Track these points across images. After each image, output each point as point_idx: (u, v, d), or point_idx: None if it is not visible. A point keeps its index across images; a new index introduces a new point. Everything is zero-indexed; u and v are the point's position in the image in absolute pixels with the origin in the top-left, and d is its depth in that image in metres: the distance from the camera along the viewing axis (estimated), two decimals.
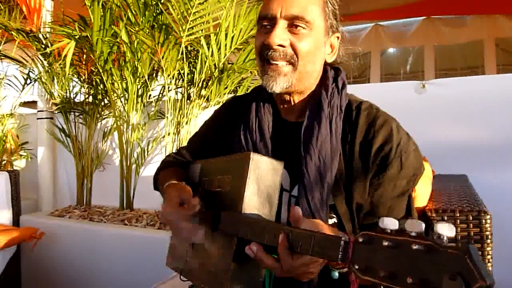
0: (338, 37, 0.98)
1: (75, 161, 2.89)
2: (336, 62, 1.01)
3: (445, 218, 1.12)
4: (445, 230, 0.48)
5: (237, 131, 1.01)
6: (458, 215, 1.11)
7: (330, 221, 0.89)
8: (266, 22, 0.90)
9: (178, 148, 1.27)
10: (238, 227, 0.78)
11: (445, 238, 0.48)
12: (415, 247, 0.49)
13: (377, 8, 5.62)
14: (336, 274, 0.79)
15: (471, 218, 1.11)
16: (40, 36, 2.78)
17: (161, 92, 2.80)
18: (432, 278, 0.46)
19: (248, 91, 1.26)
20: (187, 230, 0.89)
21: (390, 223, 0.54)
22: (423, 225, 0.51)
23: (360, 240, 0.55)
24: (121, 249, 2.23)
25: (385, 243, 0.52)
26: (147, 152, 2.79)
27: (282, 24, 0.88)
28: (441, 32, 5.97)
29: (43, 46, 2.75)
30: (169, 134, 2.50)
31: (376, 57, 6.49)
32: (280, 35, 0.87)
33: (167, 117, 2.51)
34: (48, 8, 3.03)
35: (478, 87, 2.21)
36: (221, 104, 1.21)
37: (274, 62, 0.89)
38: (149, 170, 2.95)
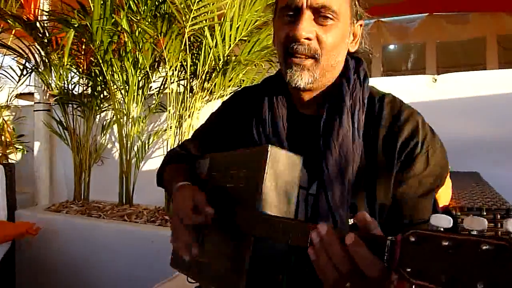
0: (361, 25, 0.91)
1: (73, 155, 2.81)
2: (357, 51, 0.94)
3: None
4: None
5: (248, 124, 0.94)
6: (485, 213, 1.05)
7: (350, 222, 0.82)
8: (290, 12, 0.83)
9: (181, 141, 1.18)
10: (255, 225, 0.72)
11: None
12: (485, 247, 0.41)
13: (379, 3, 5.57)
14: None
15: (499, 217, 1.04)
16: (38, 25, 2.69)
17: (163, 84, 2.72)
18: (506, 283, 0.40)
19: (254, 84, 1.20)
20: (184, 241, 0.82)
21: (445, 221, 0.47)
22: (485, 223, 0.44)
23: (412, 239, 0.48)
24: (120, 246, 2.17)
25: (445, 243, 0.45)
26: (148, 146, 2.72)
27: (308, 15, 0.81)
28: (443, 28, 5.93)
29: (40, 35, 2.66)
30: (170, 128, 2.43)
31: (378, 53, 6.44)
32: (306, 27, 0.81)
33: (169, 110, 2.44)
34: None
35: (486, 82, 2.16)
36: (229, 95, 1.14)
37: (299, 56, 0.83)
38: (150, 164, 2.88)
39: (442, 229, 0.48)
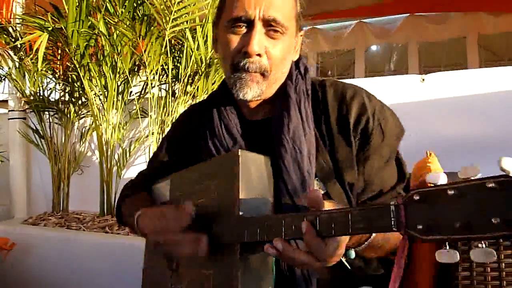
0: (302, 35, 0.94)
1: (51, 164, 2.69)
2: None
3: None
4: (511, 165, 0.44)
5: (203, 141, 0.93)
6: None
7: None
8: (240, 24, 0.83)
9: (139, 172, 1.15)
10: (242, 231, 0.69)
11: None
12: (490, 185, 0.43)
13: (361, 5, 5.59)
14: (352, 253, 0.76)
15: (502, 248, 0.98)
16: (10, 28, 2.57)
17: (144, 88, 2.63)
18: None
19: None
20: (188, 241, 0.74)
21: (442, 178, 0.48)
22: (479, 168, 0.45)
23: (416, 198, 0.49)
24: (102, 259, 2.06)
25: (451, 192, 0.46)
26: (129, 153, 2.62)
27: (259, 28, 0.81)
28: (425, 28, 5.99)
29: (12, 39, 2.54)
30: (152, 134, 2.34)
31: (361, 54, 6.48)
32: (259, 43, 0.81)
33: (150, 115, 2.35)
34: (19, 0, 2.82)
35: (474, 81, 2.14)
36: (177, 117, 1.13)
37: (248, 71, 0.83)
38: (132, 172, 2.77)
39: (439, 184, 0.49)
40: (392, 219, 0.51)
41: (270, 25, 0.82)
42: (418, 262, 1.07)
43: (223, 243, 0.73)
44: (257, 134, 0.90)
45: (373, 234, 0.74)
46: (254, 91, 0.84)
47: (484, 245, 0.46)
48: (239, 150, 0.75)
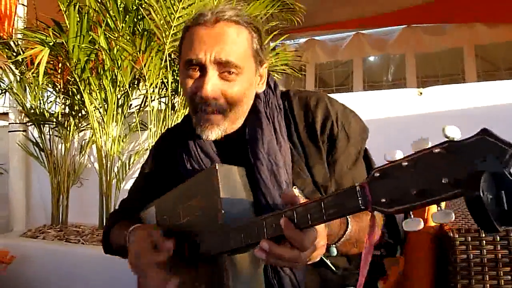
0: (266, 67, 0.95)
1: (50, 177, 2.69)
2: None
3: (469, 239, 1.01)
4: (455, 132, 0.48)
5: (181, 163, 0.96)
6: (484, 235, 1.01)
7: None
8: (193, 67, 0.86)
9: (122, 200, 1.17)
10: (227, 240, 0.73)
11: (457, 138, 0.47)
12: (436, 150, 0.47)
13: (358, 16, 5.65)
14: (334, 250, 0.79)
15: (498, 238, 1.00)
16: (11, 43, 2.59)
17: (143, 102, 2.65)
18: (465, 169, 0.45)
19: None
20: (157, 279, 0.79)
21: (398, 153, 0.52)
22: (429, 141, 0.49)
23: (377, 175, 0.53)
24: (101, 273, 2.06)
25: (404, 164, 0.50)
26: (129, 166, 2.63)
27: (212, 72, 0.84)
28: (422, 40, 6.05)
29: (14, 53, 2.57)
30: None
31: (358, 65, 6.52)
32: (212, 87, 0.84)
33: (150, 128, 2.36)
34: (20, 15, 2.85)
35: (472, 95, 2.16)
36: (153, 143, 1.16)
37: (207, 113, 0.87)
38: (131, 185, 2.78)
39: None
40: (359, 198, 0.55)
41: (223, 67, 0.83)
42: (415, 271, 1.08)
43: (212, 254, 0.76)
44: (232, 150, 0.92)
45: (349, 226, 0.77)
46: (216, 133, 0.88)
47: (441, 208, 0.49)
48: (217, 164, 0.78)
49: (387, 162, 0.53)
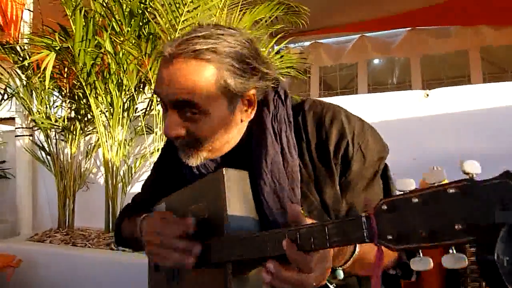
0: (254, 93, 0.82)
1: (56, 181, 2.70)
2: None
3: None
4: (475, 167, 0.43)
5: (184, 167, 0.90)
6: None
7: None
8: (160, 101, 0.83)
9: (135, 195, 1.15)
10: (230, 250, 0.71)
11: (475, 176, 0.43)
12: (451, 191, 0.42)
13: (362, 19, 5.64)
14: (340, 273, 0.73)
15: None
16: (18, 48, 2.61)
17: (149, 105, 2.65)
18: (482, 216, 0.40)
19: None
20: (180, 249, 0.75)
21: (407, 184, 0.48)
22: (444, 171, 0.45)
23: (384, 208, 0.49)
24: (108, 277, 2.06)
25: (415, 200, 0.46)
26: (134, 169, 2.63)
27: (172, 111, 0.77)
28: (426, 42, 6.02)
29: (20, 58, 2.58)
30: (158, 150, 2.35)
31: (363, 68, 6.50)
32: (173, 126, 0.77)
33: (155, 132, 2.36)
34: (26, 20, 2.87)
35: (478, 96, 2.15)
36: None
37: (179, 146, 0.82)
38: (137, 188, 2.76)
39: (408, 191, 0.48)
40: (364, 230, 0.51)
41: (182, 107, 0.76)
42: (427, 272, 1.06)
43: (215, 262, 0.74)
44: (238, 159, 0.85)
45: (357, 249, 0.72)
46: (196, 160, 0.82)
47: (454, 251, 0.45)
48: (224, 168, 0.75)
49: (399, 193, 0.49)
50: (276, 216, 0.77)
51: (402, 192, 0.48)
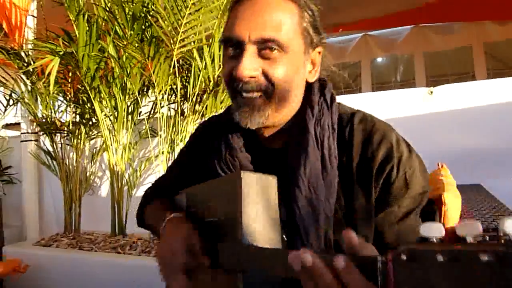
0: (319, 52, 0.82)
1: (62, 185, 2.72)
2: (321, 75, 0.87)
3: (487, 238, 0.98)
4: None
5: (211, 159, 0.87)
6: (501, 234, 0.98)
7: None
8: (231, 46, 0.76)
9: (157, 179, 1.13)
10: (241, 259, 0.66)
11: None
12: (485, 258, 0.35)
13: (365, 17, 5.62)
14: None
15: None
16: (22, 53, 2.63)
17: (153, 108, 2.66)
18: None
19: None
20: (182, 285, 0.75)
21: (436, 230, 0.42)
22: (480, 226, 0.39)
23: (404, 257, 0.43)
24: (114, 281, 2.06)
25: (440, 258, 0.39)
26: (140, 172, 2.64)
27: (251, 50, 0.74)
28: (430, 39, 5.99)
29: (25, 64, 2.60)
30: (162, 153, 2.35)
31: (367, 66, 6.49)
32: (249, 65, 0.73)
33: (160, 135, 2.37)
34: (30, 25, 2.89)
35: (482, 92, 2.13)
36: (197, 127, 1.08)
37: (247, 95, 0.76)
38: (142, 191, 2.78)
39: (434, 240, 0.42)
40: (379, 275, 0.46)
41: (264, 44, 0.73)
42: None
43: (227, 268, 0.71)
44: (270, 164, 0.80)
45: None
46: (256, 120, 0.76)
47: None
48: (242, 171, 0.70)
49: (420, 238, 0.43)
50: (307, 227, 0.74)
51: (426, 238, 0.43)
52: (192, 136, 1.05)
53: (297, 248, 0.69)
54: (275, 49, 0.73)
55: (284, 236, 0.74)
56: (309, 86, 0.83)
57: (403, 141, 0.80)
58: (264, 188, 0.72)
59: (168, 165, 1.11)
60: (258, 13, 0.74)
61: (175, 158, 1.08)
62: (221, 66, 0.81)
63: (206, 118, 1.07)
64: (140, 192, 2.77)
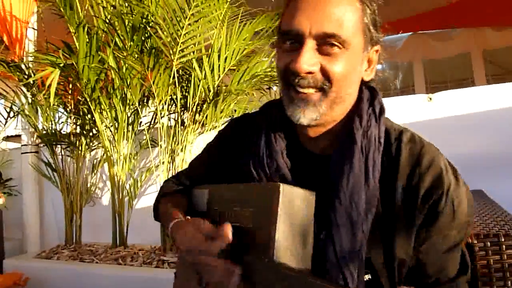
0: (377, 50, 0.80)
1: (63, 197, 2.71)
2: (373, 79, 0.84)
3: (488, 244, 0.98)
4: None
5: (245, 159, 0.83)
6: (503, 240, 0.97)
7: (366, 277, 0.74)
8: (290, 39, 0.73)
9: (177, 172, 1.07)
10: (272, 280, 0.63)
11: None
12: None
13: None
14: None
15: None
16: (23, 66, 2.64)
17: (153, 118, 2.66)
18: None
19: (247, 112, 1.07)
20: (220, 270, 0.68)
21: None
22: None
23: None
24: None
25: None
26: (140, 183, 2.63)
27: (311, 45, 0.70)
28: (429, 46, 6.02)
29: (25, 76, 2.61)
30: (163, 163, 2.35)
31: None
32: (308, 60, 0.70)
33: (160, 145, 2.37)
34: (31, 38, 2.91)
35: (481, 98, 2.14)
36: (227, 122, 1.02)
37: (301, 90, 0.72)
38: (143, 202, 2.78)
39: None
40: None
41: (325, 40, 0.70)
42: None
43: (253, 281, 0.67)
44: (309, 168, 0.78)
45: None
46: (311, 114, 0.73)
47: None
48: (281, 184, 0.66)
49: None
50: (343, 242, 0.71)
51: None
52: (223, 131, 0.99)
53: (331, 260, 0.70)
54: (335, 45, 0.70)
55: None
56: (359, 95, 0.80)
57: (451, 166, 0.76)
58: (302, 204, 0.68)
59: (191, 160, 1.05)
60: (320, 6, 0.71)
61: (201, 151, 1.02)
62: (277, 60, 0.76)
63: (238, 115, 1.01)
64: (140, 203, 2.76)
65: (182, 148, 2.36)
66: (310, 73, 0.71)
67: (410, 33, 6.04)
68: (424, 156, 0.74)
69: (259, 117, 0.88)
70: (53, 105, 2.59)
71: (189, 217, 0.81)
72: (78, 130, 2.76)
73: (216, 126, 2.42)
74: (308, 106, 0.72)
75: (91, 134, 2.76)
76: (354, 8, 0.72)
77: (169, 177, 1.09)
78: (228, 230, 0.69)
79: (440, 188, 0.72)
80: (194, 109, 2.35)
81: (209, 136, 2.32)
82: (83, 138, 2.73)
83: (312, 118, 0.73)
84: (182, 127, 2.39)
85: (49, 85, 2.25)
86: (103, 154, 2.74)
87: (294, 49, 0.72)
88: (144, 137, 2.59)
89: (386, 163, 0.75)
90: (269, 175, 0.78)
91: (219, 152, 0.96)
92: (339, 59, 0.71)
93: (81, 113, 2.68)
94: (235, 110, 2.52)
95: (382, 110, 0.79)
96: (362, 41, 0.74)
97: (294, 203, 0.67)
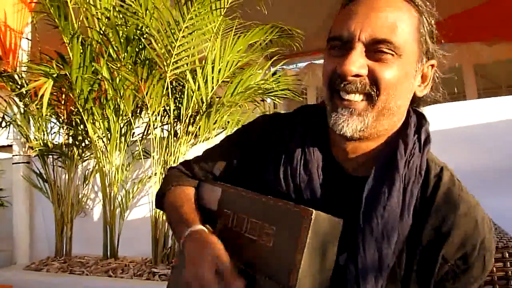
0: (433, 65, 0.74)
1: (54, 208, 2.69)
2: (423, 98, 0.77)
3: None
4: None
5: (275, 164, 0.77)
6: (507, 256, 0.99)
7: None
8: (338, 44, 0.69)
9: (185, 160, 0.97)
10: None
11: None
12: None
13: None
14: None
15: (507, 255, 0.98)
16: (16, 76, 2.64)
17: (146, 130, 2.66)
18: None
19: (239, 124, 1.01)
20: None
21: None
22: None
23: None
24: None
25: None
26: (132, 194, 2.62)
27: (360, 49, 0.66)
28: None
29: (18, 86, 2.61)
30: (155, 175, 2.34)
31: None
32: (357, 62, 0.65)
33: (153, 156, 2.36)
34: (25, 48, 2.91)
35: (472, 112, 2.16)
36: (256, 118, 0.93)
37: (347, 97, 0.67)
38: (135, 213, 2.76)
39: None
40: None
41: (375, 46, 0.66)
42: None
43: None
44: (342, 188, 0.73)
45: None
46: (355, 124, 0.67)
47: None
48: (314, 211, 0.63)
49: None
50: (368, 273, 0.66)
51: None
52: (249, 125, 0.91)
53: (350, 283, 0.66)
54: (387, 51, 0.66)
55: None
56: (406, 118, 0.74)
57: (487, 217, 0.71)
58: (329, 232, 0.66)
59: (205, 149, 0.96)
60: (372, 13, 0.67)
61: (219, 144, 0.94)
62: (324, 66, 0.72)
63: (269, 113, 0.94)
64: (132, 215, 2.74)
65: (175, 160, 2.35)
66: (357, 76, 0.66)
67: None
68: (462, 202, 0.69)
69: (294, 121, 0.82)
70: (46, 115, 2.58)
71: (206, 228, 0.76)
72: (70, 141, 2.74)
73: (209, 138, 2.43)
74: (352, 115, 0.67)
75: (83, 144, 2.74)
76: (410, 15, 0.69)
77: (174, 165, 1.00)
78: (241, 285, 0.65)
79: (473, 240, 0.68)
80: (187, 120, 2.35)
81: (202, 147, 2.32)
82: (75, 149, 2.71)
83: (357, 129, 0.67)
84: (175, 138, 2.39)
85: (42, 95, 2.25)
86: (95, 165, 2.73)
87: (342, 54, 0.68)
88: (137, 148, 2.58)
89: (419, 199, 0.70)
90: (299, 186, 0.73)
91: (242, 147, 0.88)
92: (390, 65, 0.66)
93: (73, 124, 2.67)
94: (228, 122, 2.52)
95: (427, 140, 0.73)
96: (417, 51, 0.69)
97: (322, 231, 0.64)
